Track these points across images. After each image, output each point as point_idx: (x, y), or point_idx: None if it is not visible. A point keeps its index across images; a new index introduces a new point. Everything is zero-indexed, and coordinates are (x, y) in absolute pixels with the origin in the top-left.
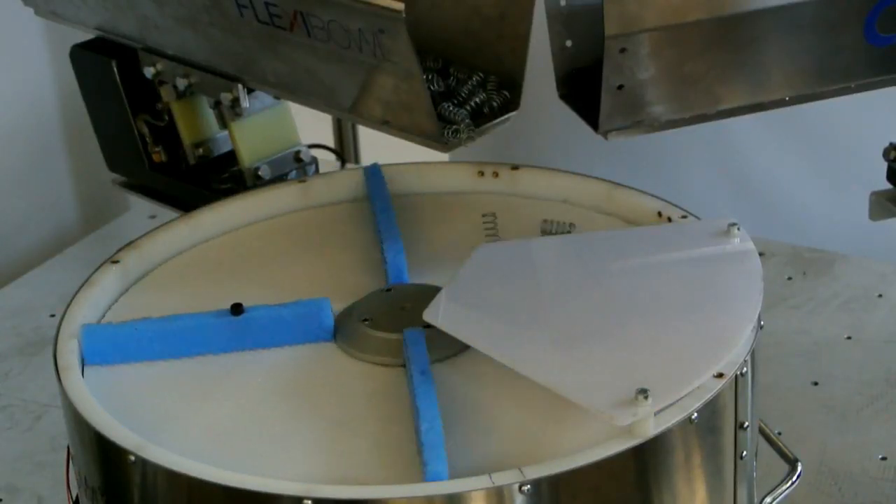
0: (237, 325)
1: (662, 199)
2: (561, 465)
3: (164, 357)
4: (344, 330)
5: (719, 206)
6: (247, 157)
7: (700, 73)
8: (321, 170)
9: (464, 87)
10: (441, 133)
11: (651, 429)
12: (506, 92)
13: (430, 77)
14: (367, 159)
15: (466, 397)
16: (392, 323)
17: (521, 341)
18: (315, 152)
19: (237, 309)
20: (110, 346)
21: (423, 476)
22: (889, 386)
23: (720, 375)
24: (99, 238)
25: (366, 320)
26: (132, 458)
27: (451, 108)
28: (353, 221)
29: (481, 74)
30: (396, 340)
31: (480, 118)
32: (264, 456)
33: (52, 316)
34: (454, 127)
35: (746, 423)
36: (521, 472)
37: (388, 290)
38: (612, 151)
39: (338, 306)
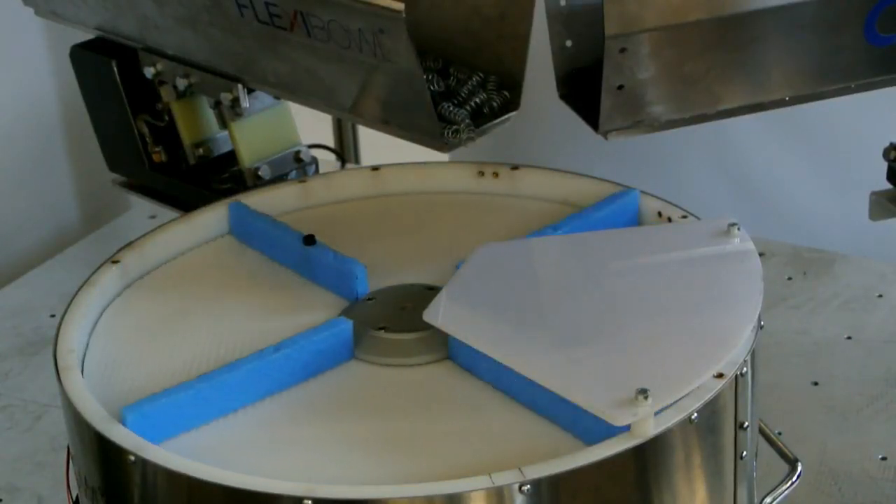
0: (305, 255)
1: (662, 199)
2: (561, 465)
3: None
4: (359, 300)
5: (719, 206)
6: (247, 157)
7: (700, 73)
8: (321, 170)
9: (464, 87)
10: (441, 133)
11: (651, 429)
12: (506, 92)
13: (430, 77)
14: (366, 159)
15: (466, 397)
16: (383, 314)
17: (520, 341)
18: (315, 152)
19: (309, 240)
20: None
21: None
22: (889, 386)
23: (720, 375)
24: (99, 238)
25: (370, 299)
26: (132, 458)
27: (451, 108)
28: (355, 221)
29: (481, 74)
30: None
31: (480, 118)
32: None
33: (52, 316)
34: (454, 127)
35: (746, 423)
36: (521, 472)
37: (431, 288)
38: (612, 151)
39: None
